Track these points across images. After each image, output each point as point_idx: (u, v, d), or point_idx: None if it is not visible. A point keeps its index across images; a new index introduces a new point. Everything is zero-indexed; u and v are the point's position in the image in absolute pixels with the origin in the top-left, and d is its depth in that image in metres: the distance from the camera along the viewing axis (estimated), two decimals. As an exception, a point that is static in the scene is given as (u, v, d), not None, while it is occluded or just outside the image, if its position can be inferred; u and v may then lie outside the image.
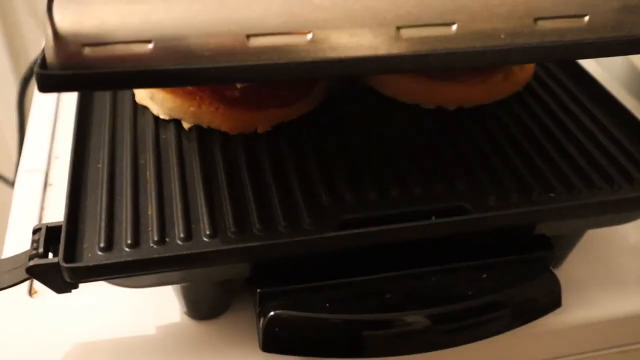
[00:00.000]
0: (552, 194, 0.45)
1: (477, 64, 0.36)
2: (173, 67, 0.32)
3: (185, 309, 0.47)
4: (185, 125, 0.50)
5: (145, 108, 0.52)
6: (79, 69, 0.31)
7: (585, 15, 0.36)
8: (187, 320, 0.47)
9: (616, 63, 0.72)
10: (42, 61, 0.31)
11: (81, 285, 0.48)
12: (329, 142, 0.49)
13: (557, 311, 0.48)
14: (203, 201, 0.43)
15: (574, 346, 0.51)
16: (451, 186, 0.46)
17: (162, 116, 0.50)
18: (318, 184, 0.45)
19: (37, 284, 0.49)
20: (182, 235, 0.41)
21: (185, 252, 0.39)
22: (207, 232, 0.41)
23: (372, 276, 0.43)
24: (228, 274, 0.43)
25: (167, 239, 0.41)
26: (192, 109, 0.49)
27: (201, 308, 0.47)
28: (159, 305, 0.48)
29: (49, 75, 0.31)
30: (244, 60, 0.33)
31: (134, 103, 0.52)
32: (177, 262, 0.40)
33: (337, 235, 0.41)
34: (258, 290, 0.42)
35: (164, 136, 0.49)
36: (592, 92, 0.56)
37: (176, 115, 0.50)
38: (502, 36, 0.35)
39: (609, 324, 0.49)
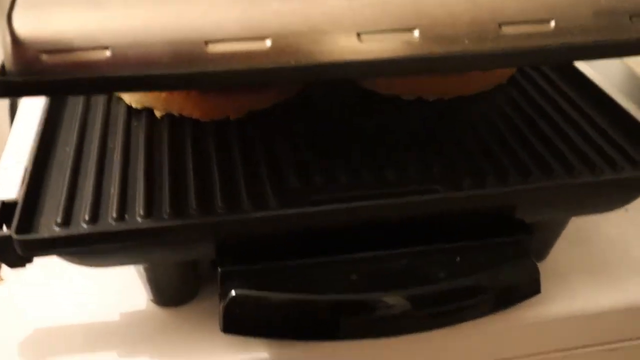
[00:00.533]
0: (529, 178, 0.44)
1: (440, 69, 0.36)
2: (131, 74, 0.32)
3: (151, 296, 0.46)
4: (157, 113, 0.50)
5: (119, 98, 0.51)
6: (36, 76, 0.31)
7: (551, 20, 0.35)
8: (153, 307, 0.46)
9: (609, 64, 0.71)
10: (1, 67, 0.31)
11: (48, 273, 0.47)
12: (302, 130, 0.49)
13: (540, 302, 0.46)
14: (167, 182, 0.42)
15: (558, 341, 0.48)
16: (426, 171, 0.45)
17: (134, 105, 0.50)
18: (288, 169, 0.44)
19: (3, 271, 0.48)
20: (141, 213, 0.40)
21: (139, 227, 0.38)
22: (168, 210, 0.40)
23: (338, 257, 0.42)
24: (189, 254, 0.42)
25: (126, 216, 0.40)
26: (163, 95, 0.48)
27: (166, 294, 0.45)
28: (126, 293, 0.47)
29: (6, 82, 0.31)
30: (202, 67, 0.32)
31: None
32: (131, 236, 0.39)
33: (300, 212, 0.40)
34: (219, 269, 0.40)
35: (135, 124, 0.49)
36: (576, 82, 0.55)
37: (148, 103, 0.49)
38: (466, 42, 0.34)
39: (594, 317, 0.47)
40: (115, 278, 0.47)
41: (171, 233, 0.39)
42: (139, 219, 0.39)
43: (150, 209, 0.40)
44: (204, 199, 0.41)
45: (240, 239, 0.41)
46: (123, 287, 0.47)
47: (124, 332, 0.45)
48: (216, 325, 0.42)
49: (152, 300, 0.46)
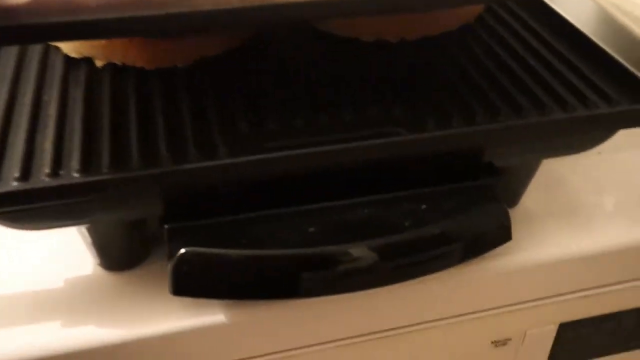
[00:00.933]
0: (498, 117, 0.41)
1: (399, 9, 0.33)
2: (53, 21, 0.28)
3: (97, 260, 0.42)
4: (98, 63, 0.46)
5: (56, 48, 0.47)
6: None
7: None
8: (101, 272, 0.43)
9: (581, 5, 0.68)
10: None
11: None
12: (255, 77, 0.45)
13: (512, 251, 0.44)
14: (107, 135, 0.39)
15: (531, 290, 0.46)
16: (387, 113, 0.42)
17: (72, 54, 0.46)
18: (239, 116, 0.41)
19: None
20: (78, 167, 0.36)
21: (74, 182, 0.35)
22: (107, 164, 0.37)
23: (294, 209, 0.39)
24: (133, 212, 0.39)
25: (61, 172, 0.36)
26: (103, 42, 0.44)
27: (112, 256, 0.42)
28: (71, 257, 0.44)
29: None
30: (135, 11, 0.29)
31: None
32: (66, 192, 0.35)
33: (252, 160, 0.37)
34: (166, 226, 0.37)
35: (73, 74, 0.45)
36: (548, 20, 0.51)
37: (87, 52, 0.45)
38: None
39: (567, 263, 0.45)
40: (59, 241, 0.44)
41: (111, 187, 0.36)
42: (75, 174, 0.36)
43: (88, 163, 0.37)
44: (147, 151, 0.38)
45: (188, 192, 0.38)
46: (68, 251, 0.44)
47: (70, 299, 0.41)
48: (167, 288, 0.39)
49: (100, 265, 0.43)
